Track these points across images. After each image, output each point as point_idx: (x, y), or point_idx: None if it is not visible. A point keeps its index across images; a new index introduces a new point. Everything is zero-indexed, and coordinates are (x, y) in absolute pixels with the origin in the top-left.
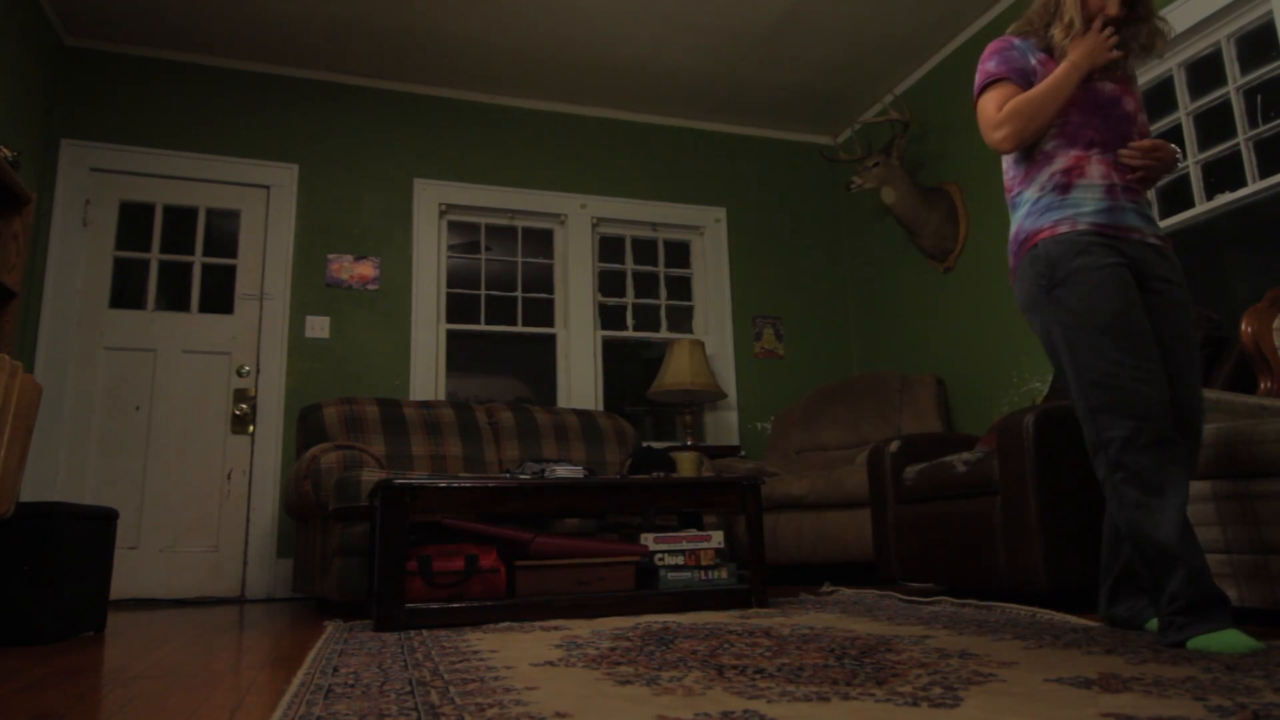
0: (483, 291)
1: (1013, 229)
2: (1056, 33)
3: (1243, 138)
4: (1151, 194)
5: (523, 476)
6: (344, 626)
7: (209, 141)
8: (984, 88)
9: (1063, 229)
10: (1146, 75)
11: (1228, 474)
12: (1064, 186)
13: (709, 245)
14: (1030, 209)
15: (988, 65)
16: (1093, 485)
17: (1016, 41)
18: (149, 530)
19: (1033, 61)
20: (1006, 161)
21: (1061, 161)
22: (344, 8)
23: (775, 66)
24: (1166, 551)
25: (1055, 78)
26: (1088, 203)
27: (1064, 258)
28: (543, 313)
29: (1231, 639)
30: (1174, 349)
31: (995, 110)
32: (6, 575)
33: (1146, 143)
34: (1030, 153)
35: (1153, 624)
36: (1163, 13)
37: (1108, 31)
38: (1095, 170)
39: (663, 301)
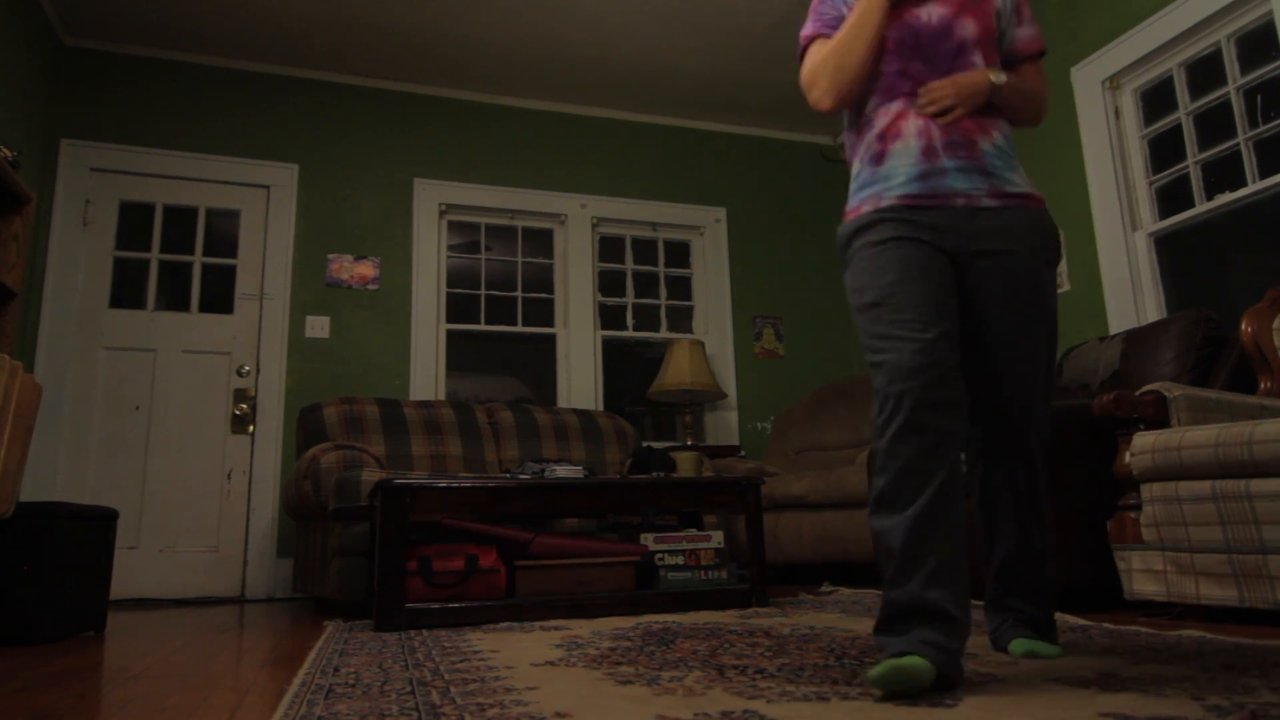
0: (483, 291)
1: None
2: None
3: (1243, 138)
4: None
5: (523, 476)
6: (344, 626)
7: (209, 141)
8: (802, 54)
9: (865, 209)
10: (1146, 76)
11: (1228, 474)
12: (879, 156)
13: (709, 245)
14: (853, 188)
15: (803, 30)
16: (1095, 484)
17: None
18: (149, 530)
19: (844, 9)
20: (844, 131)
21: (880, 123)
22: (344, 8)
23: (775, 66)
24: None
25: (855, 12)
26: (899, 172)
27: (855, 235)
28: (543, 313)
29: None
30: (1001, 337)
31: (810, 68)
32: (6, 575)
33: (937, 83)
34: (856, 118)
35: (1016, 645)
36: (1162, 13)
37: None
38: (911, 128)
39: (663, 301)
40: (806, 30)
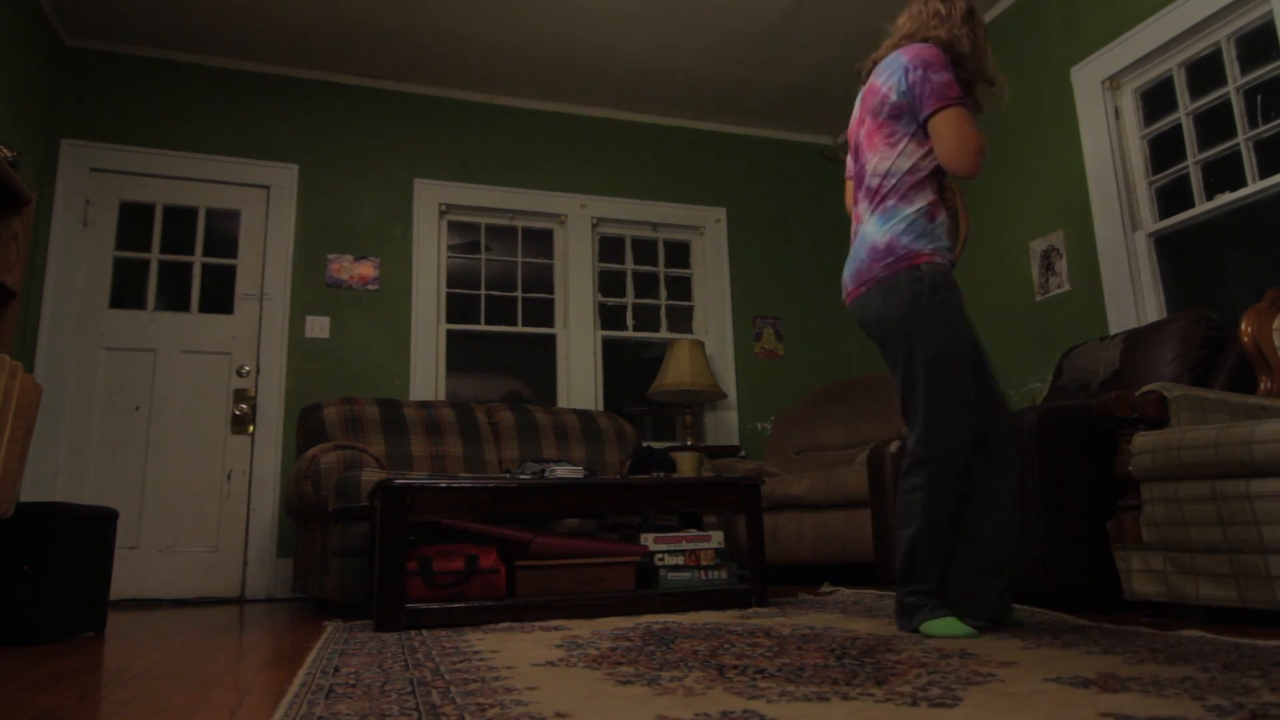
0: (483, 291)
1: (881, 238)
2: (987, 90)
3: (1243, 138)
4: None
5: (523, 476)
6: (344, 626)
7: (209, 141)
8: (955, 103)
9: (939, 259)
10: (1146, 76)
11: (1228, 474)
12: (932, 216)
13: (709, 245)
14: (907, 227)
15: (950, 76)
16: (1095, 484)
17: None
18: (149, 530)
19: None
20: (896, 165)
21: (931, 193)
22: (345, 8)
23: (775, 66)
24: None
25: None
26: (943, 237)
27: (941, 287)
28: (543, 313)
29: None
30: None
31: (976, 136)
32: (6, 575)
33: (954, 193)
34: (920, 171)
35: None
36: (1162, 13)
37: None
38: (946, 207)
39: (663, 301)
40: (955, 83)
